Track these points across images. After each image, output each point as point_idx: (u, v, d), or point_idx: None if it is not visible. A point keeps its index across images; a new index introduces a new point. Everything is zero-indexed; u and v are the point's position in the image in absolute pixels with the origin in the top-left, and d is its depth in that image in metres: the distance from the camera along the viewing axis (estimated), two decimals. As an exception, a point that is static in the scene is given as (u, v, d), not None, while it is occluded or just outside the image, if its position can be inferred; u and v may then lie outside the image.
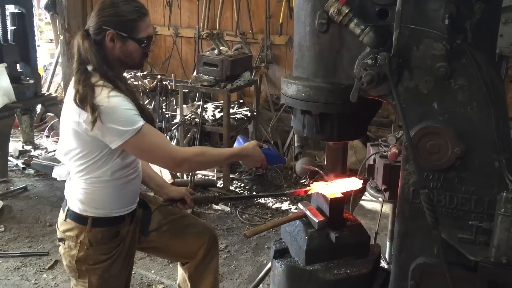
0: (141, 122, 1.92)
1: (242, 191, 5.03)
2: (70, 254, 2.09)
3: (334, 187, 2.12)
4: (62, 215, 2.13)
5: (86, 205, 2.05)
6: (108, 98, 1.87)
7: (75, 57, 1.98)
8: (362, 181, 2.12)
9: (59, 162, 5.32)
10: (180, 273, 2.58)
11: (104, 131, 1.89)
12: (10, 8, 5.50)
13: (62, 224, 2.12)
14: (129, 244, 2.19)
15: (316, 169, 2.19)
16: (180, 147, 1.79)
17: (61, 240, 2.12)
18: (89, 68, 1.96)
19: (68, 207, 2.09)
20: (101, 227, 2.06)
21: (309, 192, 2.18)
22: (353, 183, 2.15)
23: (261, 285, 3.06)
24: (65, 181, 2.21)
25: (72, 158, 2.03)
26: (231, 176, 5.17)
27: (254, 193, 5.00)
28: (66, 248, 2.10)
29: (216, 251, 2.54)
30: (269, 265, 2.67)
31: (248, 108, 5.48)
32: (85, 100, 1.87)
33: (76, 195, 2.06)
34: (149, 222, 2.29)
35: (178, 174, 5.06)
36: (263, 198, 4.84)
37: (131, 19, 1.94)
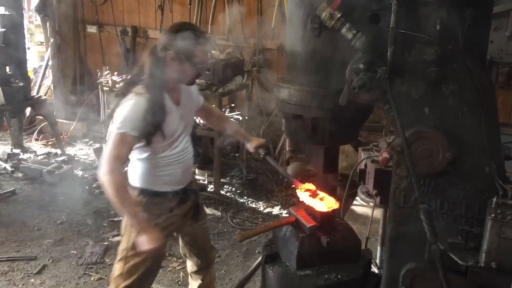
0: (124, 130, 2.14)
1: (233, 196, 5.01)
2: None
3: (312, 203, 2.11)
4: None
5: (135, 179, 2.41)
6: (133, 98, 2.18)
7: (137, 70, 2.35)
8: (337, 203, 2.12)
9: (48, 165, 5.29)
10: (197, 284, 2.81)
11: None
12: (0, 10, 5.45)
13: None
14: (170, 223, 2.44)
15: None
16: (120, 170, 2.06)
17: None
18: (141, 78, 2.27)
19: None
20: (145, 196, 2.39)
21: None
22: (330, 203, 2.11)
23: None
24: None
25: None
26: (222, 180, 5.16)
27: (245, 197, 4.99)
28: None
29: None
30: (257, 261, 2.64)
31: (239, 112, 5.48)
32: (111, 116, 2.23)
33: (130, 171, 2.45)
34: (199, 209, 2.65)
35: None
36: (253, 203, 4.84)
37: (191, 45, 2.22)
